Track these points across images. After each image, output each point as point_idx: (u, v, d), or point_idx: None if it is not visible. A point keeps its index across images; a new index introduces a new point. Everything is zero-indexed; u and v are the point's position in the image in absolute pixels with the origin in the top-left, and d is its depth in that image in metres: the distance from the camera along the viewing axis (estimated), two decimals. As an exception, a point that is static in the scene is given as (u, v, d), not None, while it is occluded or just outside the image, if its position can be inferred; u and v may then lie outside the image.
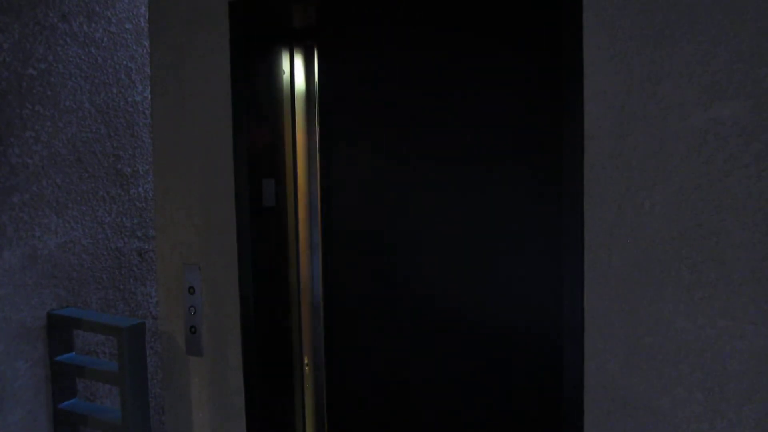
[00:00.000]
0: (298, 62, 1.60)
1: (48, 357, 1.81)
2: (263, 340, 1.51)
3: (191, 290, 1.56)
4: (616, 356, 1.12)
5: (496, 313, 1.33)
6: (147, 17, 2.00)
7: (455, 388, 1.39)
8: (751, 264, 1.01)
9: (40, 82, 1.82)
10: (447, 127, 1.36)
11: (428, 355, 1.42)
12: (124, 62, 2.09)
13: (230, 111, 1.48)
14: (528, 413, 1.32)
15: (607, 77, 1.10)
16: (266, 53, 1.52)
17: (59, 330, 1.82)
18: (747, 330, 1.02)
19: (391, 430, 1.47)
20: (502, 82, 1.30)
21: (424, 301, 1.41)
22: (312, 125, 1.61)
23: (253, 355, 1.48)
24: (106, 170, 2.03)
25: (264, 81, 1.51)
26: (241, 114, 1.46)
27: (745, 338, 1.02)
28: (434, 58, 1.36)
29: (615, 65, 1.09)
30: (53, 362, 1.80)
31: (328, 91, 1.53)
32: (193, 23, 1.52)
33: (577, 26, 1.10)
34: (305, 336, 1.63)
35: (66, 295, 1.89)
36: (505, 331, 1.33)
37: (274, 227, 1.56)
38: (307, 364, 1.62)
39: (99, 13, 2.00)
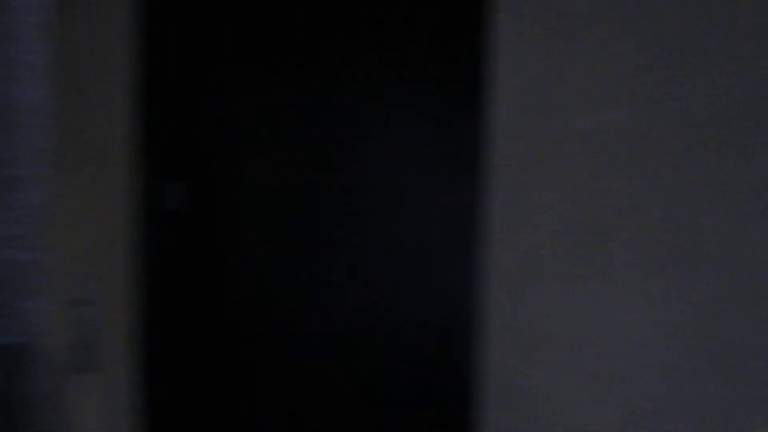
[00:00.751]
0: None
1: None
2: (162, 354, 1.44)
3: (85, 302, 1.46)
4: (515, 347, 1.18)
5: (401, 311, 1.35)
6: (46, 11, 1.85)
7: (361, 387, 1.39)
8: (637, 258, 1.10)
9: None
10: (357, 130, 1.37)
11: (331, 354, 1.41)
12: (19, 58, 1.91)
13: (130, 110, 1.40)
14: (432, 408, 1.34)
15: (513, 83, 1.16)
16: (177, 47, 1.45)
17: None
18: (631, 318, 1.11)
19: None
20: (414, 86, 1.32)
21: (327, 301, 1.41)
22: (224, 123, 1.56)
23: (151, 369, 1.40)
24: (-11, 175, 1.85)
25: (171, 81, 1.44)
26: (144, 113, 1.38)
27: (630, 325, 1.11)
28: (354, 61, 1.36)
29: (520, 72, 1.15)
30: None
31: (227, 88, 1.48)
32: (94, 17, 1.43)
33: (491, 36, 1.15)
34: (207, 347, 1.57)
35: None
36: (411, 327, 1.35)
37: (179, 233, 1.49)
38: (207, 376, 1.56)
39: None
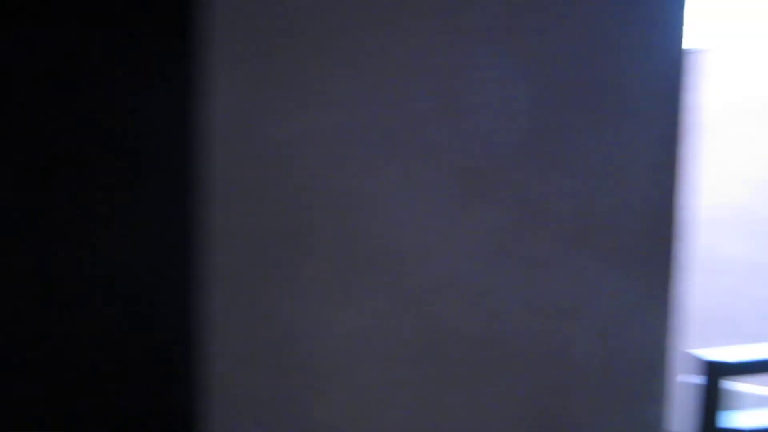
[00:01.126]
0: None
1: None
2: None
3: None
4: (238, 357, 1.16)
5: (113, 325, 1.23)
6: None
7: (60, 406, 1.23)
8: (347, 256, 1.15)
9: None
10: (56, 130, 1.20)
11: (22, 373, 1.22)
12: None
13: None
14: (152, 424, 1.25)
15: (227, 89, 1.15)
16: None
17: None
18: (347, 313, 1.16)
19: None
20: (124, 86, 1.21)
21: (17, 313, 1.22)
22: None
23: None
24: None
25: None
26: None
27: (345, 320, 1.15)
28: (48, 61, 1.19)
29: (235, 79, 1.15)
30: None
31: None
32: None
33: (203, 42, 1.11)
34: None
35: None
36: (125, 341, 1.24)
37: None
38: None
39: None
